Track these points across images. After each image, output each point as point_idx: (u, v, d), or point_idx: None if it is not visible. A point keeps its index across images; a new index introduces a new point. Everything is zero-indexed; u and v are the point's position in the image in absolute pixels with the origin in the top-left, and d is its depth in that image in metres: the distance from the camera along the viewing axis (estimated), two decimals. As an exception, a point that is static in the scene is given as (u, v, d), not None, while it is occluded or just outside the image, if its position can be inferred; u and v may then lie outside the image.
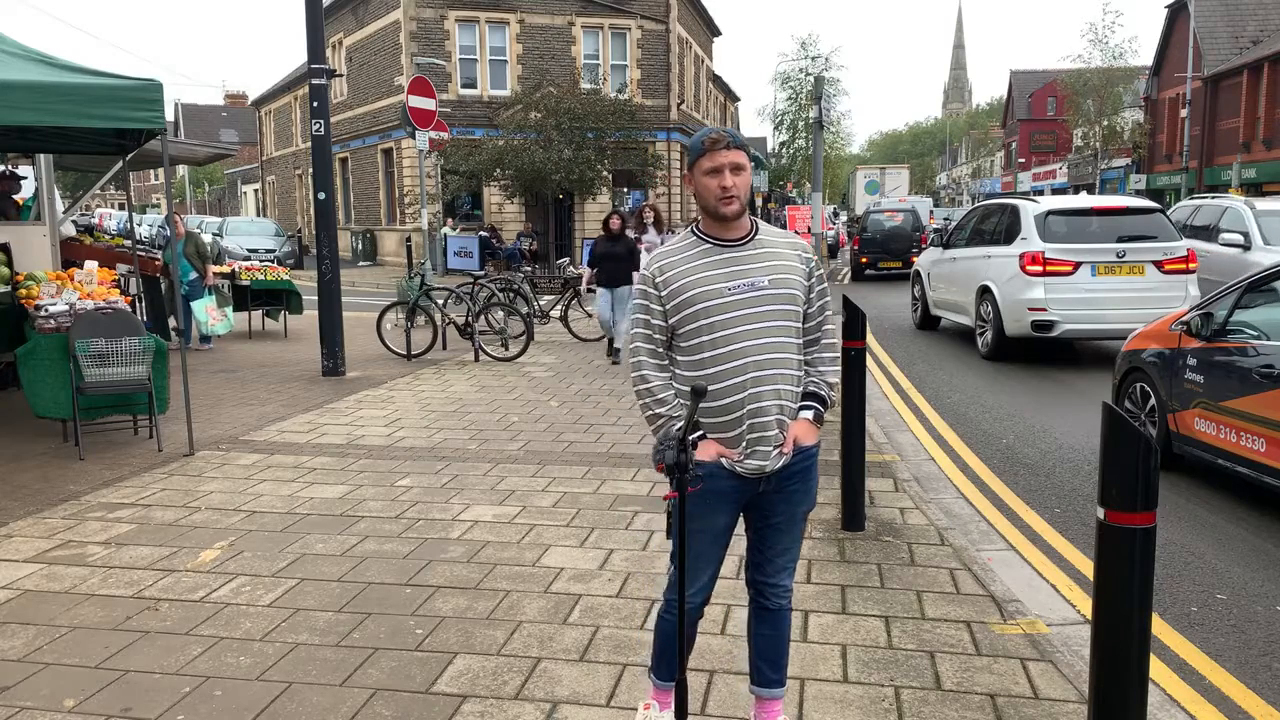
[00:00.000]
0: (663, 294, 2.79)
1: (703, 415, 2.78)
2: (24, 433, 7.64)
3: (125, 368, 7.04)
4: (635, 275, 10.85)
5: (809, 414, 2.87)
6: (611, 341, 11.21)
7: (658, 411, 2.81)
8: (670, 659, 3.06)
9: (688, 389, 2.78)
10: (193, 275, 12.07)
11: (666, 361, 2.86)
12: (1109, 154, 46.00)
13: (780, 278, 2.78)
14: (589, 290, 11.85)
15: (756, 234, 2.84)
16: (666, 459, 2.59)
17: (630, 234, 11.56)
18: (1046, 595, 4.56)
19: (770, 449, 2.78)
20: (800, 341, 2.86)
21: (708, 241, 2.81)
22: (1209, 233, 13.40)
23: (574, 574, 4.58)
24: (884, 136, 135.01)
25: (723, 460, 2.79)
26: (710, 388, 2.75)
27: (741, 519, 2.98)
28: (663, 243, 11.82)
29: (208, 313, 12.04)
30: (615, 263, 10.90)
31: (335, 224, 11.27)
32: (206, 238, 13.87)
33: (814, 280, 2.89)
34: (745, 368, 2.74)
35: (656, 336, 2.84)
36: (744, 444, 2.77)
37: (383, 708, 3.37)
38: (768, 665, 3.04)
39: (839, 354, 3.02)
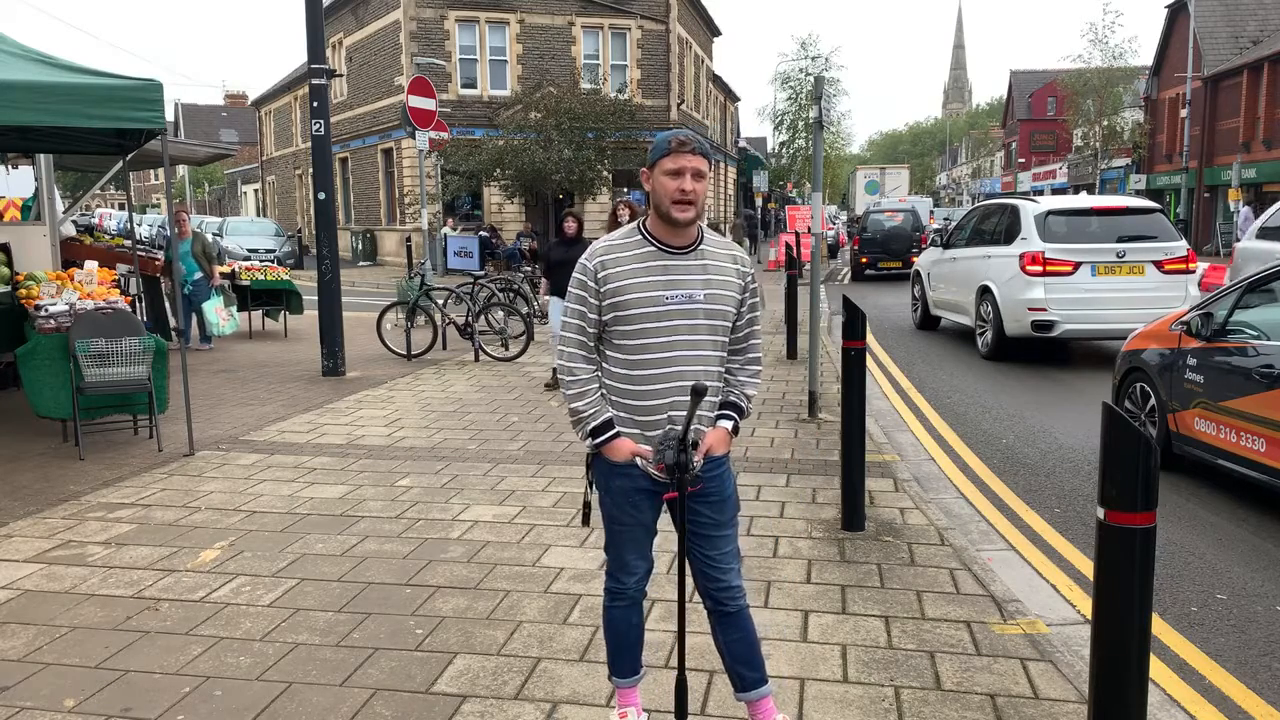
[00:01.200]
0: (601, 290, 2.79)
1: (624, 413, 2.82)
2: (24, 433, 7.64)
3: (125, 368, 7.04)
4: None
5: (727, 423, 2.90)
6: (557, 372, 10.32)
7: (578, 406, 2.82)
8: (627, 651, 3.09)
9: (617, 385, 2.82)
10: (198, 275, 12.08)
11: (595, 356, 2.87)
12: (1109, 154, 45.99)
13: (715, 292, 2.80)
14: (541, 313, 10.13)
15: (700, 243, 2.84)
16: (667, 459, 2.61)
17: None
18: (1046, 595, 4.56)
19: None
20: (725, 355, 2.89)
21: (653, 245, 2.81)
22: None
23: (574, 574, 4.58)
24: (884, 136, 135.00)
25: (638, 460, 2.83)
26: (635, 388, 2.79)
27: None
28: None
29: (216, 313, 12.07)
30: (571, 271, 10.24)
31: (335, 224, 11.26)
32: (207, 238, 13.87)
33: (747, 294, 2.90)
34: (671, 376, 2.75)
35: (589, 330, 2.84)
36: (654, 450, 2.77)
37: (383, 708, 3.37)
38: (745, 667, 3.03)
39: (761, 368, 3.03)
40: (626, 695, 3.13)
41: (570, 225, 9.54)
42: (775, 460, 6.66)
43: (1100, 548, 2.56)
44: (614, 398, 2.84)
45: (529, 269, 20.46)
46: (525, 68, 28.65)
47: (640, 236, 2.84)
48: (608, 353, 2.85)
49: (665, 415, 2.76)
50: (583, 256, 2.88)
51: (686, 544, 2.99)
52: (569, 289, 2.90)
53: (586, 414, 2.81)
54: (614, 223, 11.14)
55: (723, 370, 2.89)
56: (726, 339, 2.87)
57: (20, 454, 7.01)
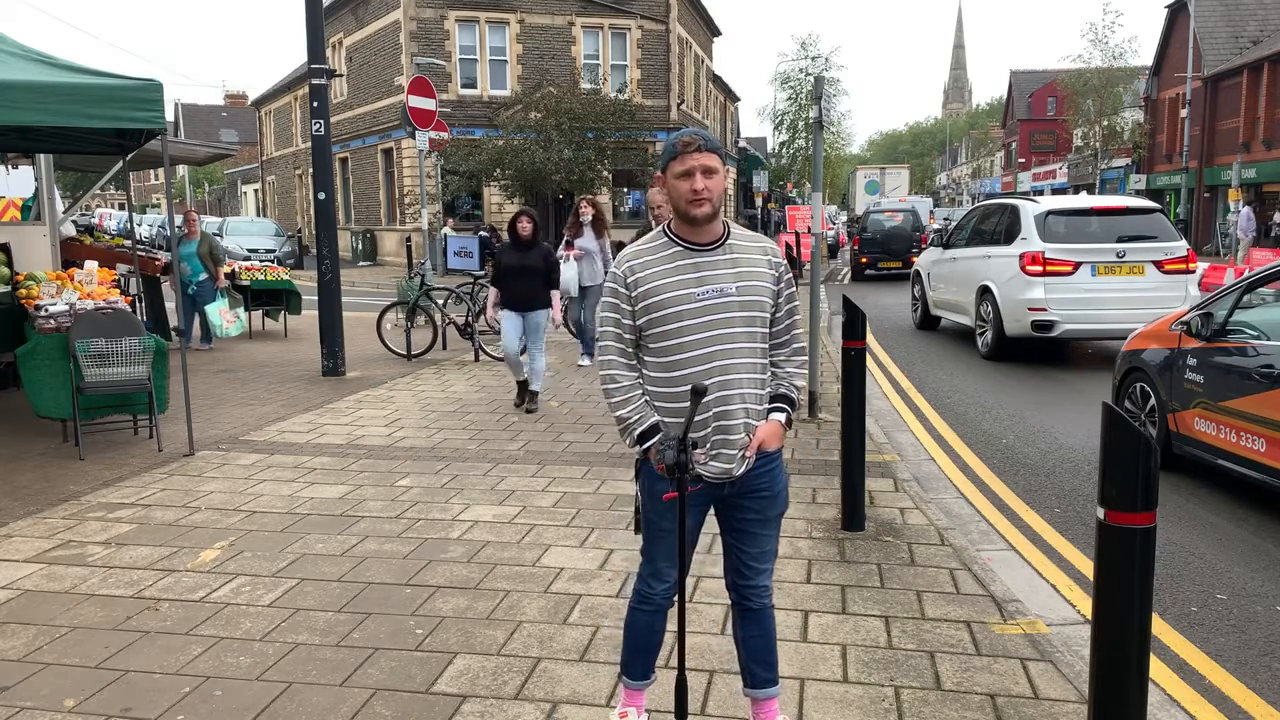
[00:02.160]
0: (633, 294, 2.80)
1: (670, 417, 2.81)
2: (24, 433, 7.64)
3: (125, 368, 7.04)
4: (559, 290, 8.56)
5: (780, 416, 2.89)
6: (524, 385, 8.48)
7: (622, 414, 2.83)
8: (644, 654, 3.09)
9: (659, 389, 2.82)
10: (203, 276, 12.08)
11: (635, 362, 2.88)
12: (1109, 154, 45.98)
13: (748, 284, 2.80)
14: (493, 322, 8.51)
15: (728, 238, 2.85)
16: (667, 459, 2.60)
17: (547, 242, 8.78)
18: (1046, 595, 4.56)
19: (735, 452, 2.80)
20: (765, 346, 2.88)
21: (679, 244, 2.82)
22: None
23: (574, 574, 4.58)
24: (884, 136, 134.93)
25: None
26: (678, 390, 2.78)
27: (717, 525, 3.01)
28: (601, 249, 10.30)
29: (221, 315, 12.06)
30: (526, 279, 8.18)
31: (335, 224, 11.24)
32: (214, 239, 13.85)
33: (783, 285, 2.90)
34: (711, 372, 2.75)
35: (626, 336, 2.85)
36: (709, 446, 2.79)
37: (383, 708, 3.37)
38: (760, 666, 3.05)
39: (806, 358, 3.03)
40: (632, 697, 3.13)
41: (525, 226, 8.16)
42: (775, 460, 6.66)
43: (1100, 548, 2.56)
44: (658, 403, 2.83)
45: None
46: (525, 68, 28.65)
47: (667, 238, 2.85)
48: (646, 359, 2.85)
49: (711, 413, 2.75)
50: (612, 264, 2.89)
51: (725, 539, 3.01)
52: (602, 299, 2.90)
53: (632, 420, 2.82)
54: (576, 220, 10.32)
55: (765, 363, 2.88)
56: (766, 331, 2.86)
57: (20, 454, 7.00)
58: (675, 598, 3.02)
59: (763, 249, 2.89)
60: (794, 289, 2.96)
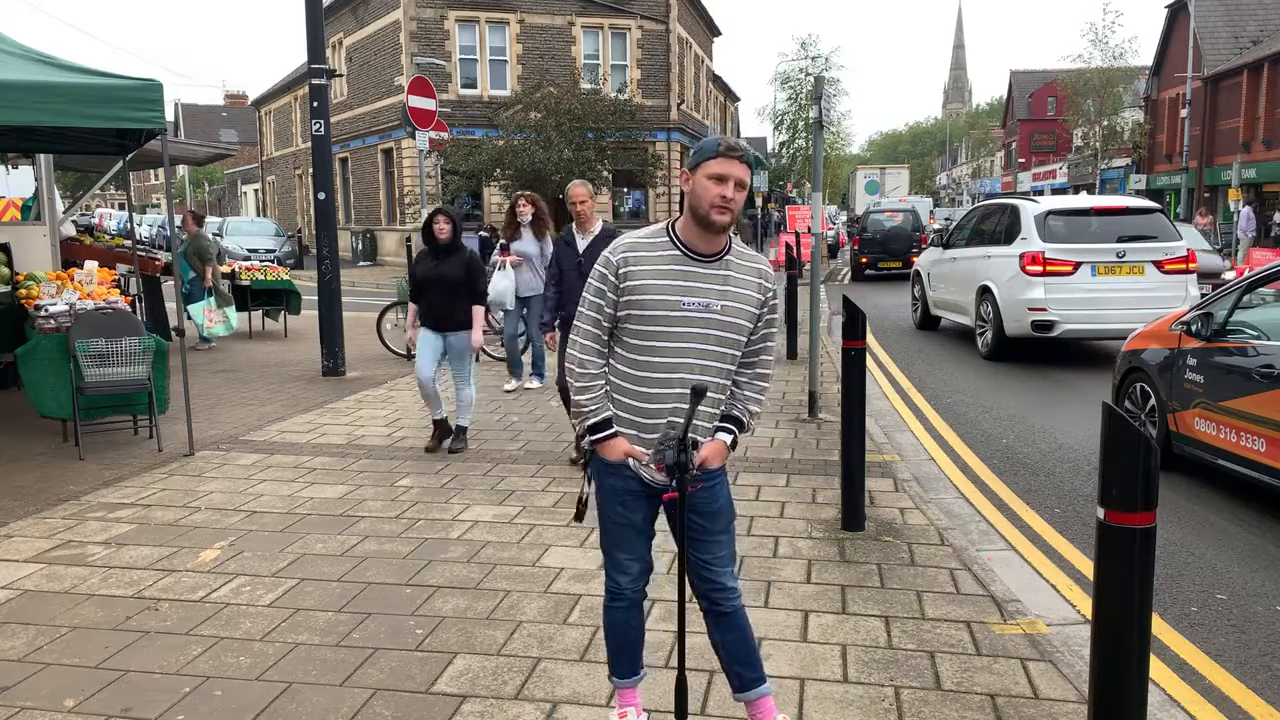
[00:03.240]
0: (621, 285, 2.79)
1: (625, 413, 2.83)
2: (24, 433, 7.64)
3: (125, 368, 7.04)
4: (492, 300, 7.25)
5: (726, 436, 2.89)
6: (441, 423, 7.11)
7: (581, 400, 2.84)
8: (627, 652, 3.09)
9: (620, 383, 2.83)
10: (192, 275, 12.08)
11: (606, 351, 2.87)
12: (1109, 154, 45.97)
13: (733, 305, 2.79)
14: (411, 345, 7.28)
15: (727, 254, 2.83)
16: (667, 459, 2.61)
17: (472, 243, 7.70)
18: (1046, 595, 4.56)
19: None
20: (734, 369, 2.87)
21: (679, 249, 2.80)
22: None
23: (574, 574, 4.58)
24: (884, 136, 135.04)
25: (630, 461, 2.84)
26: (639, 389, 2.80)
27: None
28: (542, 252, 8.94)
29: (205, 315, 12.06)
30: (443, 292, 6.79)
31: (335, 224, 11.23)
32: (208, 237, 13.83)
33: (765, 310, 2.87)
34: (674, 382, 2.75)
35: (604, 324, 2.84)
36: (654, 450, 2.76)
37: (383, 708, 3.37)
38: (744, 667, 3.03)
39: (768, 384, 3.01)
40: (627, 696, 3.13)
41: (441, 227, 6.74)
42: (775, 460, 6.66)
43: (1100, 548, 2.56)
44: (616, 395, 2.84)
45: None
46: (525, 68, 28.66)
47: (667, 239, 2.83)
48: (617, 349, 2.85)
49: (665, 420, 2.76)
50: (606, 250, 2.87)
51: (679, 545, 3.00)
52: (589, 282, 2.87)
53: (588, 409, 2.83)
54: (513, 218, 9.04)
55: (728, 385, 2.87)
56: (739, 353, 2.85)
57: (20, 454, 7.00)
58: (645, 589, 3.04)
59: (757, 270, 2.86)
60: (777, 315, 2.95)
